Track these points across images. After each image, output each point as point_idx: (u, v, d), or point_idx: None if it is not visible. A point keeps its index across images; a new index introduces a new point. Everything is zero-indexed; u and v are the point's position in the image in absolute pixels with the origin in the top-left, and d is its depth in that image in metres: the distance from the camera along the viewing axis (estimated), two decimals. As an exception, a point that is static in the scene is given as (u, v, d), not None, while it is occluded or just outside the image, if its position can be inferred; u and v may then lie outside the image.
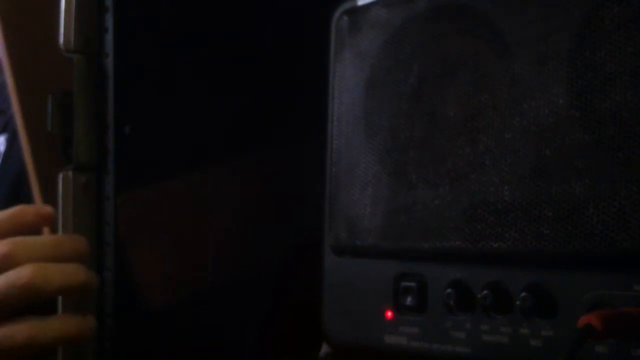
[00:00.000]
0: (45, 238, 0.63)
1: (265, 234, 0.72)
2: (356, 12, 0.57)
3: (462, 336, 0.49)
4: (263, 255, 0.72)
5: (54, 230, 0.66)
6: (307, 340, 0.63)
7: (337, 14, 0.58)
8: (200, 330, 0.69)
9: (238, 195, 0.73)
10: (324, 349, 0.61)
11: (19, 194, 0.84)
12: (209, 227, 0.71)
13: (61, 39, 0.67)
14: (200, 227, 0.71)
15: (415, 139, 0.52)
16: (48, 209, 0.62)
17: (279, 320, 0.72)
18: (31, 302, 0.56)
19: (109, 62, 0.66)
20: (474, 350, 0.49)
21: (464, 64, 0.50)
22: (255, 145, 0.74)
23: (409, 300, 0.52)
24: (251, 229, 0.72)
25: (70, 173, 0.66)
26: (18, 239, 0.58)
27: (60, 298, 0.63)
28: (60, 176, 0.66)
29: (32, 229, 0.61)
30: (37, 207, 0.63)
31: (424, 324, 0.51)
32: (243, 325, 0.71)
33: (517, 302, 0.46)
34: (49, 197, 0.72)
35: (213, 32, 0.72)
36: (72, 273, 0.57)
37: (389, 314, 0.54)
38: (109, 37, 0.66)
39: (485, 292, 0.47)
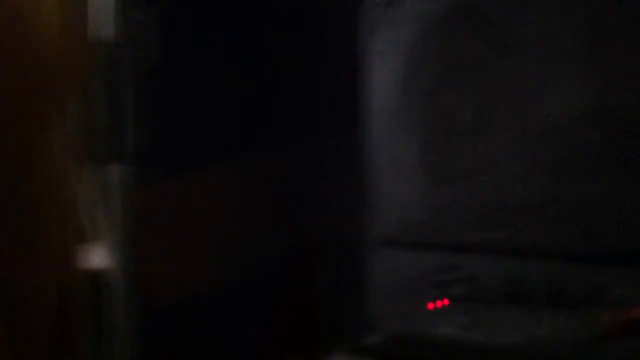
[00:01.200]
0: None
1: (268, 234, 0.72)
2: (387, 6, 0.57)
3: (510, 328, 0.50)
4: (266, 255, 0.72)
5: (92, 220, 0.67)
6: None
7: (367, 9, 0.58)
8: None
9: (255, 191, 0.73)
10: (371, 338, 0.62)
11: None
12: (213, 226, 0.72)
13: (101, 34, 0.68)
14: (203, 226, 0.71)
15: (433, 137, 0.52)
16: None
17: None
18: None
19: (149, 57, 0.67)
20: (520, 341, 0.49)
21: (470, 65, 0.50)
22: (278, 141, 0.73)
23: (456, 291, 0.53)
24: (254, 228, 0.72)
25: (114, 165, 0.67)
26: None
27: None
28: (82, 170, 0.67)
29: None
30: None
31: (472, 314, 0.52)
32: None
33: (532, 295, 0.46)
34: (83, 188, 0.72)
35: (245, 28, 0.72)
36: None
37: (436, 304, 0.55)
38: (149, 33, 0.67)
39: (499, 285, 0.48)
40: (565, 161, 0.45)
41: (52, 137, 0.69)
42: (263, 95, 0.73)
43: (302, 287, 0.66)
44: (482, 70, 0.49)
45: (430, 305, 0.55)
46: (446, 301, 0.54)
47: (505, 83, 0.48)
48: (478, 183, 0.50)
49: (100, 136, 0.67)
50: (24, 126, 0.68)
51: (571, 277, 0.46)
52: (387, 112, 0.56)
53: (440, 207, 0.53)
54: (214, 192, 0.71)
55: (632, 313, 0.39)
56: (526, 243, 0.47)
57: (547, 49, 0.46)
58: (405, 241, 0.56)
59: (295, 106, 0.73)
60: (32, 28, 0.67)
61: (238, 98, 0.72)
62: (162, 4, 0.68)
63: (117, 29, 0.69)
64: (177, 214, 0.69)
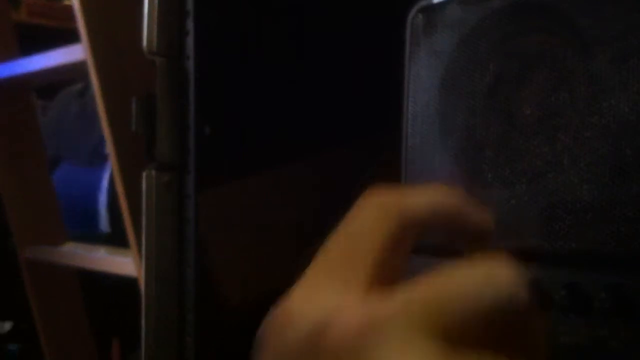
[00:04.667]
0: None
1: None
2: (431, 10, 0.56)
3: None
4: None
5: (134, 228, 0.68)
6: None
7: (412, 13, 0.58)
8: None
9: (315, 194, 0.74)
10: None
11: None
12: (286, 225, 0.72)
13: (144, 42, 0.69)
14: (275, 226, 0.72)
15: (491, 137, 0.51)
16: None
17: None
18: None
19: (190, 64, 0.68)
20: (550, 350, 0.48)
21: (541, 62, 0.49)
22: (332, 144, 0.74)
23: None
24: (328, 227, 0.73)
25: (153, 172, 0.68)
26: None
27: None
28: (144, 175, 0.68)
29: None
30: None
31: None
32: None
33: (596, 304, 0.45)
34: (132, 195, 0.74)
35: (289, 34, 0.73)
36: None
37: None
38: (190, 40, 0.68)
39: (562, 292, 0.46)
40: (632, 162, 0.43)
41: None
42: (304, 102, 0.74)
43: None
44: (548, 69, 0.48)
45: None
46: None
47: (573, 81, 0.47)
48: (540, 184, 0.48)
49: (147, 143, 0.68)
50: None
51: (625, 282, 0.44)
52: (427, 116, 0.56)
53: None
54: (265, 197, 0.71)
55: None
56: (585, 248, 0.46)
57: (615, 46, 0.45)
58: (435, 248, 0.55)
59: (339, 111, 0.74)
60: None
61: (280, 105, 0.73)
62: (197, 15, 0.70)
63: (155, 39, 0.70)
64: (253, 213, 0.70)
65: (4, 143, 1.38)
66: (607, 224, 0.44)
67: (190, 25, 0.68)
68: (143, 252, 0.69)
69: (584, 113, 0.46)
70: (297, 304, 0.31)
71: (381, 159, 0.67)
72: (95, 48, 0.95)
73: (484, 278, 0.31)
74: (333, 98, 0.75)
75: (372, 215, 0.34)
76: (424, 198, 0.35)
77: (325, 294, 0.31)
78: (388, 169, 0.60)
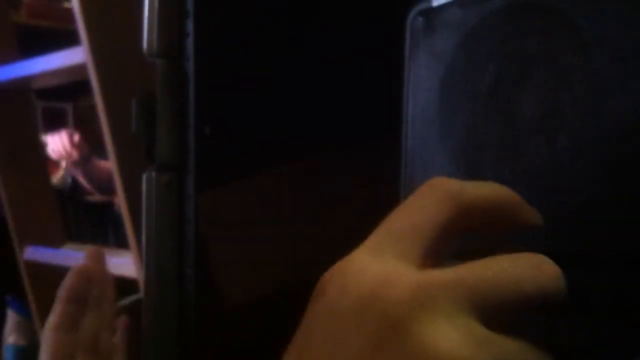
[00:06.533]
0: None
1: (339, 233, 0.73)
2: (431, 12, 0.57)
3: (538, 336, 0.49)
4: (339, 253, 0.73)
5: (135, 229, 0.68)
6: None
7: (412, 14, 0.58)
8: (277, 326, 0.70)
9: (313, 195, 0.74)
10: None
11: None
12: (286, 225, 0.72)
13: (144, 43, 0.70)
14: (276, 225, 0.72)
15: (491, 137, 0.51)
16: None
17: None
18: None
19: (190, 65, 0.68)
20: (549, 350, 0.48)
21: (541, 62, 0.49)
22: (331, 145, 0.74)
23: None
24: (326, 227, 0.73)
25: (153, 173, 0.68)
26: None
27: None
28: (144, 176, 0.68)
29: None
30: None
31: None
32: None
33: (596, 304, 0.45)
34: (132, 196, 0.74)
35: (289, 35, 0.73)
36: None
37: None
38: (190, 41, 0.68)
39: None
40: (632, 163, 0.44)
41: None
42: (304, 103, 0.74)
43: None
44: (548, 69, 0.48)
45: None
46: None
47: (573, 81, 0.47)
48: (540, 184, 0.48)
49: (147, 143, 0.68)
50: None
51: (624, 282, 0.44)
52: (426, 117, 0.56)
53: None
54: (264, 197, 0.71)
55: None
56: (585, 248, 0.46)
57: (615, 46, 0.45)
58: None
59: (339, 111, 0.74)
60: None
61: (280, 105, 0.73)
62: (197, 16, 0.70)
63: (155, 40, 0.70)
64: (254, 213, 0.70)
65: (4, 143, 1.38)
66: (607, 224, 0.44)
67: (190, 26, 0.68)
68: (143, 252, 0.69)
69: (584, 113, 0.46)
70: (358, 264, 0.34)
71: (381, 160, 0.67)
72: (95, 49, 0.95)
73: (531, 269, 0.34)
74: (333, 99, 0.75)
75: (436, 196, 0.36)
76: (484, 189, 0.38)
77: (385, 258, 0.33)
78: (388, 169, 0.60)
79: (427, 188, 0.37)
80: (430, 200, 0.36)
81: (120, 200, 0.85)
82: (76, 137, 2.48)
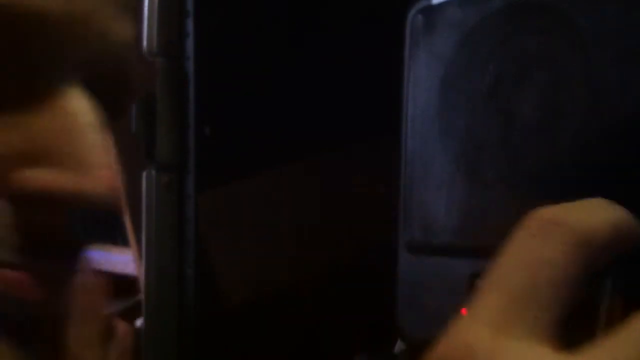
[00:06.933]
0: None
1: (340, 232, 0.73)
2: (431, 11, 0.57)
3: None
4: (338, 253, 0.73)
5: (135, 228, 0.68)
6: (381, 335, 0.64)
7: (411, 13, 0.58)
8: (277, 327, 0.70)
9: (314, 194, 0.74)
10: (398, 346, 0.61)
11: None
12: (285, 225, 0.72)
13: (144, 43, 0.69)
14: (276, 225, 0.72)
15: (491, 137, 0.51)
16: None
17: (353, 316, 0.72)
18: None
19: (190, 65, 0.68)
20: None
21: (541, 62, 0.49)
22: (331, 145, 0.74)
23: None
24: (326, 227, 0.73)
25: (153, 173, 0.68)
26: None
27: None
28: (144, 176, 0.68)
29: None
30: None
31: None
32: (318, 321, 0.72)
33: (596, 303, 0.45)
34: (133, 196, 0.74)
35: (289, 35, 0.73)
36: None
37: (464, 312, 0.54)
38: (190, 41, 0.68)
39: None
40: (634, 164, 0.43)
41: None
42: (304, 103, 0.74)
43: (375, 283, 0.66)
44: (548, 69, 0.48)
45: (461, 313, 0.54)
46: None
47: (573, 81, 0.47)
48: (540, 184, 0.48)
49: (146, 143, 0.68)
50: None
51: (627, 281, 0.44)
52: (426, 116, 0.56)
53: (471, 214, 0.52)
54: (264, 197, 0.71)
55: None
56: None
57: (615, 46, 0.45)
58: (434, 248, 0.55)
59: (338, 111, 0.74)
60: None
61: (280, 105, 0.73)
62: (197, 16, 0.70)
63: (155, 39, 0.70)
64: (255, 213, 0.70)
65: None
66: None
67: (190, 26, 0.68)
68: (143, 252, 0.69)
69: (584, 113, 0.46)
70: (488, 343, 0.28)
71: (381, 160, 0.67)
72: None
73: None
74: (333, 98, 0.75)
75: (562, 243, 0.29)
76: (601, 217, 0.32)
77: (516, 338, 0.27)
78: (387, 169, 0.60)
79: (536, 226, 0.30)
80: (553, 248, 0.29)
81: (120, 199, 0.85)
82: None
